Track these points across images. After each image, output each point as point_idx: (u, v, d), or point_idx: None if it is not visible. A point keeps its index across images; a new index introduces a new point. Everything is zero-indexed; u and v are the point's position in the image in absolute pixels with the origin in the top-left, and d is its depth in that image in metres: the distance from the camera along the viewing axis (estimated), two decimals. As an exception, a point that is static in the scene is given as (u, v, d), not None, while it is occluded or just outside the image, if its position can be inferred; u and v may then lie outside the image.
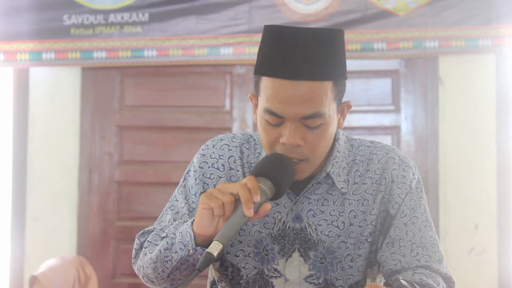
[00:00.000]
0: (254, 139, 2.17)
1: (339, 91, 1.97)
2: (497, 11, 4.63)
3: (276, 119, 1.92)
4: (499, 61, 4.75)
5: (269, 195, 1.86)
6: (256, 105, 2.03)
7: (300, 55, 1.88)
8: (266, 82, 1.92)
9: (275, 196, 1.89)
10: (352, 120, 4.79)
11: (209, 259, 1.75)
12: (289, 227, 2.06)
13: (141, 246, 2.12)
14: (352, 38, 4.71)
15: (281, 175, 1.89)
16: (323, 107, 1.91)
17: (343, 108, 2.04)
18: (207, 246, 1.81)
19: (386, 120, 4.88)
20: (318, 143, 1.96)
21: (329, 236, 2.05)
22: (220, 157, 2.15)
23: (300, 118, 1.91)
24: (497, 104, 4.75)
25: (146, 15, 4.96)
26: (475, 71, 4.78)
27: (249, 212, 1.79)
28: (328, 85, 1.91)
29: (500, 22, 4.64)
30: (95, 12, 4.99)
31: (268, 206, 1.84)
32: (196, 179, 2.15)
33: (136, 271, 2.14)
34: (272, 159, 1.92)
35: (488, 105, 4.76)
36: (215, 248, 1.76)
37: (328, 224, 2.05)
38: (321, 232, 2.05)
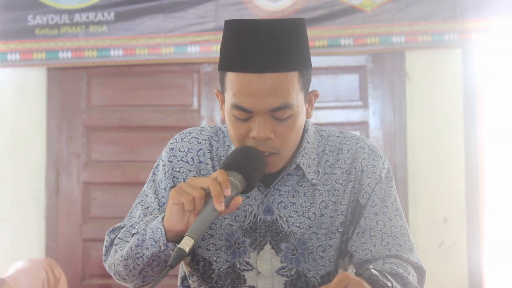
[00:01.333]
0: (223, 132, 2.16)
1: (306, 81, 1.96)
2: (463, 5, 4.65)
3: (244, 113, 1.91)
4: (465, 56, 4.77)
5: (240, 189, 1.85)
6: (222, 101, 2.01)
7: (263, 47, 1.87)
8: (231, 78, 1.91)
9: (246, 189, 1.87)
10: (320, 116, 4.79)
11: (181, 255, 1.74)
12: (260, 219, 2.05)
13: (111, 243, 2.09)
14: (319, 35, 4.71)
15: (251, 168, 1.88)
16: (291, 98, 1.90)
17: (311, 98, 2.03)
18: (178, 241, 1.80)
19: (354, 116, 4.89)
20: (288, 134, 1.95)
21: (301, 227, 2.04)
22: (189, 150, 2.13)
23: (269, 111, 1.89)
24: (465, 98, 4.77)
25: (112, 14, 4.92)
26: (442, 66, 4.80)
27: (220, 206, 1.78)
28: (294, 75, 1.90)
29: (466, 17, 4.66)
30: (60, 12, 4.95)
31: (239, 199, 1.83)
32: (165, 173, 2.13)
33: (107, 268, 2.12)
34: (242, 152, 1.91)
35: (455, 99, 4.78)
36: (186, 244, 1.74)
37: (299, 216, 2.04)
38: (292, 224, 2.04)
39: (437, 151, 4.79)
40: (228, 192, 1.79)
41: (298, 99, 1.93)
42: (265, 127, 1.90)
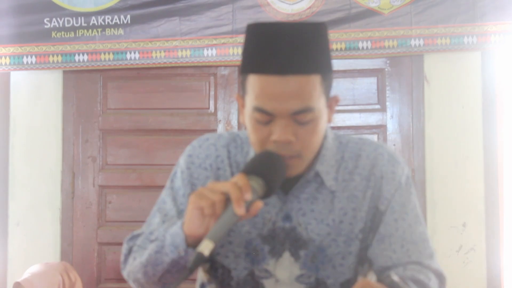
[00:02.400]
0: (241, 138, 2.14)
1: (327, 85, 1.94)
2: (482, 8, 4.62)
3: (266, 116, 1.88)
4: (484, 59, 4.73)
5: (260, 193, 1.82)
6: (242, 106, 2.00)
7: (287, 50, 1.85)
8: (253, 80, 1.89)
9: (267, 194, 1.85)
10: (338, 119, 4.76)
11: (200, 258, 1.71)
12: (278, 226, 2.03)
13: (130, 251, 2.08)
14: (336, 37, 4.69)
15: (272, 172, 1.86)
16: (313, 102, 1.88)
17: (331, 103, 2.01)
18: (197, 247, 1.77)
19: (372, 119, 4.85)
20: (310, 138, 1.93)
21: (320, 234, 2.02)
22: (207, 157, 2.11)
23: (290, 114, 1.87)
24: (483, 101, 4.74)
25: (128, 17, 4.91)
26: (460, 69, 4.77)
27: (240, 211, 1.75)
28: (316, 79, 1.88)
29: (485, 20, 4.62)
30: (76, 15, 4.94)
31: (259, 204, 1.80)
32: (183, 180, 2.11)
33: (125, 277, 2.10)
34: (262, 156, 1.89)
35: (474, 102, 4.75)
36: (206, 248, 1.71)
37: (318, 223, 2.02)
38: (311, 231, 2.02)
39: (456, 154, 4.75)
40: (248, 196, 1.77)
41: (320, 102, 1.91)
42: (287, 130, 1.88)
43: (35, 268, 4.57)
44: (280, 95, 1.85)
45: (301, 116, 1.88)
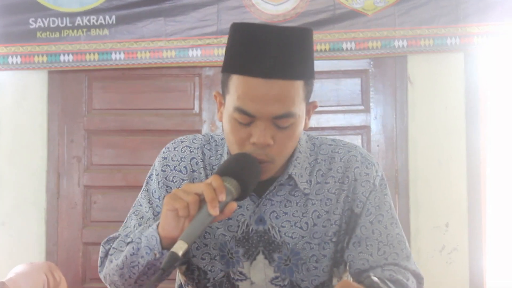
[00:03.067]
0: (215, 140, 2.15)
1: (308, 91, 1.95)
2: (465, 10, 4.64)
3: (247, 118, 1.89)
4: (467, 60, 4.75)
5: (235, 195, 1.83)
6: (221, 104, 2.00)
7: (273, 54, 1.85)
8: (237, 80, 1.89)
9: (241, 196, 1.85)
10: (322, 120, 4.77)
11: (174, 258, 1.71)
12: (252, 229, 2.04)
13: (106, 254, 2.09)
14: (321, 38, 4.70)
15: (247, 174, 1.86)
16: (295, 107, 1.89)
17: (309, 108, 2.02)
18: None
19: (356, 120, 4.87)
20: (287, 143, 1.94)
21: (293, 237, 2.03)
22: (182, 159, 2.12)
23: (272, 118, 1.88)
24: (467, 102, 4.75)
25: (113, 17, 4.91)
26: (444, 70, 4.78)
27: (215, 211, 1.75)
28: (300, 84, 1.89)
29: (468, 21, 4.64)
30: (61, 15, 4.94)
31: (234, 205, 1.81)
32: (159, 183, 2.13)
33: (102, 279, 2.12)
34: (238, 158, 1.90)
35: (457, 103, 4.76)
36: (179, 248, 1.71)
37: (291, 226, 2.03)
38: (284, 234, 2.03)
39: (439, 155, 4.77)
40: (222, 197, 1.77)
41: (300, 108, 1.92)
42: (266, 133, 1.89)
43: (20, 267, 4.57)
44: (263, 98, 1.85)
45: (282, 121, 1.89)
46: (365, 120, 4.86)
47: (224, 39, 4.69)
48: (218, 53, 4.81)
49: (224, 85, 1.96)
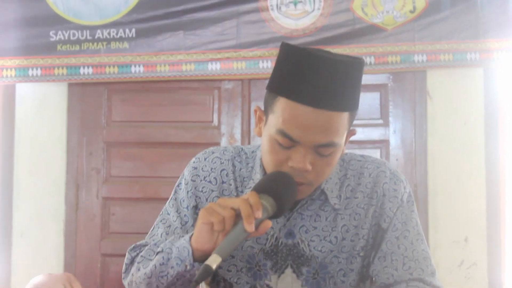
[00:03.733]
0: (246, 153, 2.16)
1: (352, 121, 1.96)
2: (485, 25, 4.64)
3: (288, 142, 1.89)
4: (487, 75, 4.74)
5: (270, 213, 1.84)
6: (260, 119, 2.00)
7: (326, 84, 1.84)
8: (284, 104, 1.88)
9: (276, 214, 1.86)
10: (340, 134, 4.77)
11: (208, 271, 1.71)
12: (281, 243, 2.05)
13: (132, 261, 2.10)
14: (340, 53, 4.69)
15: (283, 193, 1.87)
16: (338, 137, 1.90)
17: (348, 136, 2.02)
18: (204, 261, 1.78)
19: (374, 134, 4.87)
20: (325, 169, 1.95)
21: (322, 251, 2.04)
22: (212, 170, 2.13)
23: (314, 145, 1.88)
24: (486, 117, 4.75)
25: (133, 30, 4.94)
26: (463, 85, 4.78)
27: (250, 228, 1.76)
28: (345, 116, 1.90)
29: (488, 36, 4.64)
30: (81, 28, 4.97)
31: (269, 223, 1.81)
32: (188, 192, 2.13)
33: (126, 286, 2.11)
34: (276, 177, 1.91)
35: (476, 118, 4.76)
36: (214, 261, 1.72)
37: (320, 240, 2.04)
38: (313, 248, 2.04)
39: (458, 170, 4.77)
40: (259, 214, 1.78)
41: (342, 138, 1.93)
42: (306, 159, 1.89)
43: (38, 278, 4.56)
44: (309, 126, 1.86)
45: (324, 149, 1.90)
46: (384, 135, 4.86)
47: (243, 52, 4.76)
48: (237, 67, 4.82)
49: (269, 104, 1.95)
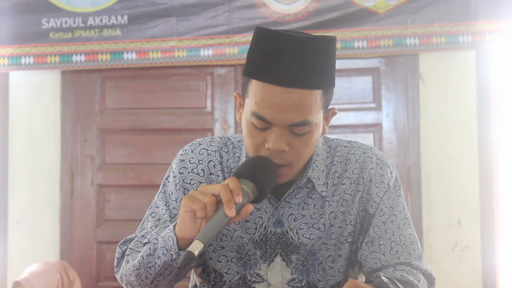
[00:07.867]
0: (232, 142, 2.16)
1: (328, 99, 1.97)
2: (477, 7, 4.64)
3: (263, 123, 1.90)
4: (479, 57, 4.75)
5: (251, 197, 1.85)
6: (240, 105, 2.01)
7: (293, 62, 1.86)
8: (256, 86, 1.90)
9: (258, 198, 1.88)
10: (334, 118, 4.69)
11: (190, 257, 1.73)
12: (270, 232, 2.06)
13: (123, 255, 2.11)
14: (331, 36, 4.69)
15: (264, 177, 1.88)
16: (312, 116, 1.90)
17: (328, 115, 2.04)
18: None
19: (367, 118, 4.88)
20: (303, 149, 1.95)
21: (311, 238, 2.05)
22: (200, 162, 2.13)
23: (288, 125, 1.89)
24: (478, 100, 4.76)
25: (125, 17, 4.94)
26: (455, 68, 4.79)
27: (231, 212, 1.78)
28: (318, 94, 1.90)
29: (480, 18, 4.64)
30: (74, 15, 4.97)
31: (250, 207, 1.83)
32: (176, 185, 2.13)
33: (119, 280, 2.13)
34: (255, 161, 1.92)
35: (469, 101, 4.77)
36: (195, 247, 1.74)
37: (309, 227, 2.05)
38: (302, 236, 2.05)
39: (451, 152, 4.78)
40: (239, 199, 1.79)
41: (317, 116, 1.93)
42: (281, 139, 1.90)
43: (34, 266, 4.60)
44: (281, 106, 1.87)
45: (298, 129, 1.90)
46: (376, 118, 4.87)
47: (236, 38, 4.77)
48: (229, 52, 4.82)
49: (244, 88, 1.97)
